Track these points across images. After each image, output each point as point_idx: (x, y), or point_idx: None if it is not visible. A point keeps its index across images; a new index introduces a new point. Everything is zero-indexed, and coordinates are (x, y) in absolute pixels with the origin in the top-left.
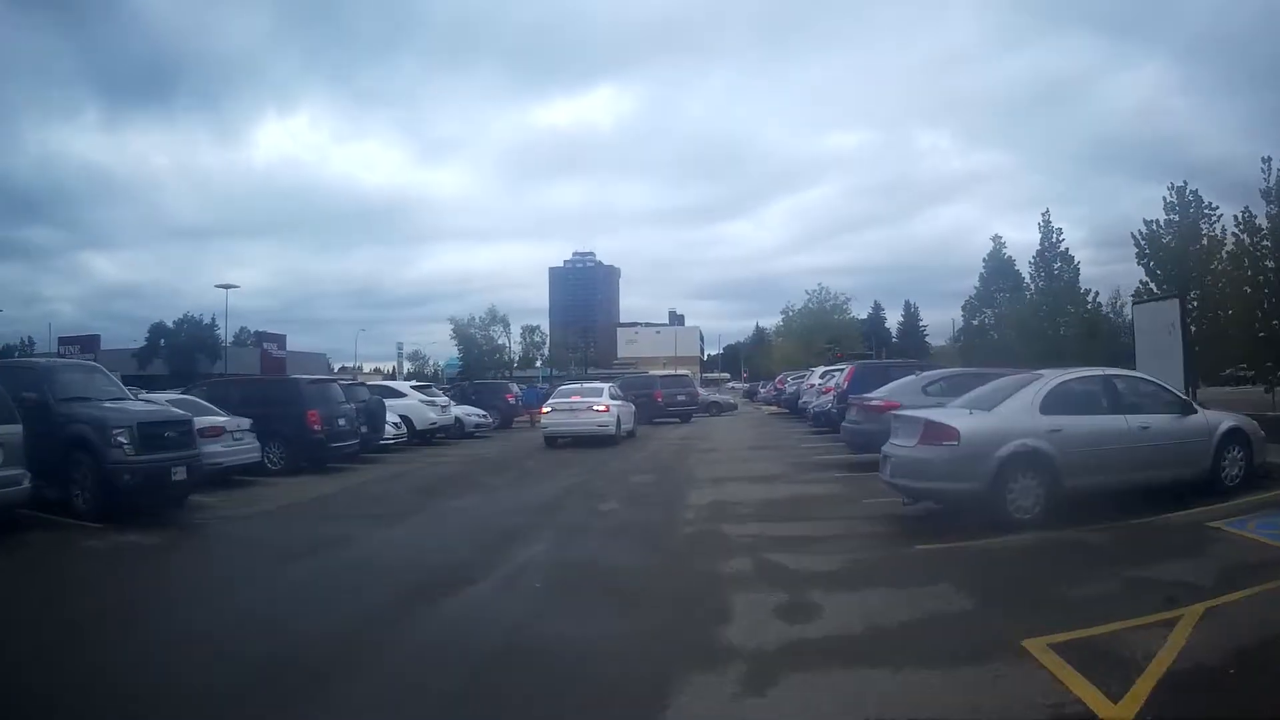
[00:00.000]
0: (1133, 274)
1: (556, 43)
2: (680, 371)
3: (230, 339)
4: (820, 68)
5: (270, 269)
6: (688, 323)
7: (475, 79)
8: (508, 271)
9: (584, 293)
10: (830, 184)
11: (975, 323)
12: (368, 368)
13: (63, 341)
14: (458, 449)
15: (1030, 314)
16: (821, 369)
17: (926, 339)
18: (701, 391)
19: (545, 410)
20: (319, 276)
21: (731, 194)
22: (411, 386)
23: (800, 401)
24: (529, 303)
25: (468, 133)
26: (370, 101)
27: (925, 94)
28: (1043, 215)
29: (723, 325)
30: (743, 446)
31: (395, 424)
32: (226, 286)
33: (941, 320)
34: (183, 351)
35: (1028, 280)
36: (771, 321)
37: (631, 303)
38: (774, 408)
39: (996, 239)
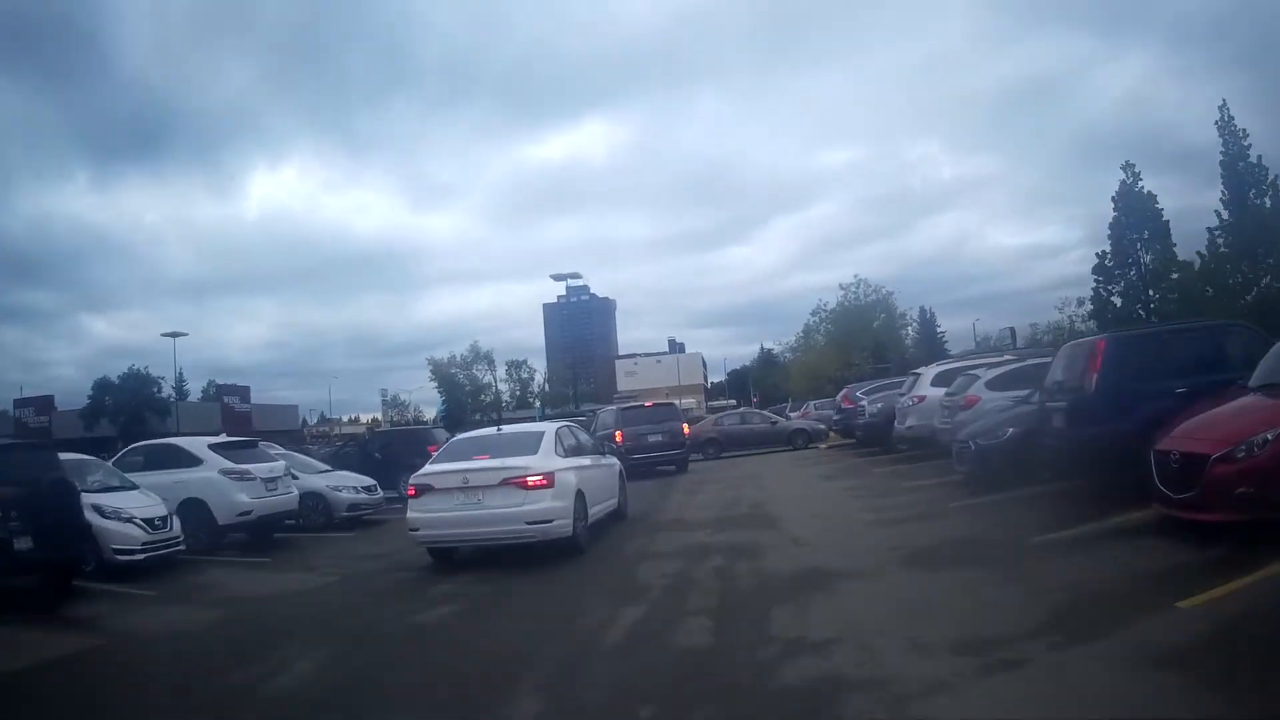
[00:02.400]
0: None
1: (545, 79)
2: (661, 401)
3: (199, 393)
4: (809, 84)
5: (272, 322)
6: (689, 351)
7: (466, 121)
8: (506, 311)
9: (580, 327)
10: (827, 201)
11: (1108, 290)
12: (364, 418)
13: (18, 404)
14: (259, 572)
15: (1230, 261)
16: (934, 370)
17: (945, 345)
18: (776, 416)
19: (412, 491)
20: (321, 328)
21: (728, 219)
22: (212, 446)
23: (903, 427)
24: (528, 341)
25: (460, 174)
26: (361, 148)
27: (914, 103)
28: (1220, 109)
29: (726, 351)
30: (883, 552)
31: (148, 522)
32: (174, 335)
33: (959, 328)
34: (129, 409)
35: (1219, 210)
36: (777, 343)
37: (633, 335)
38: (831, 438)
39: (1128, 167)
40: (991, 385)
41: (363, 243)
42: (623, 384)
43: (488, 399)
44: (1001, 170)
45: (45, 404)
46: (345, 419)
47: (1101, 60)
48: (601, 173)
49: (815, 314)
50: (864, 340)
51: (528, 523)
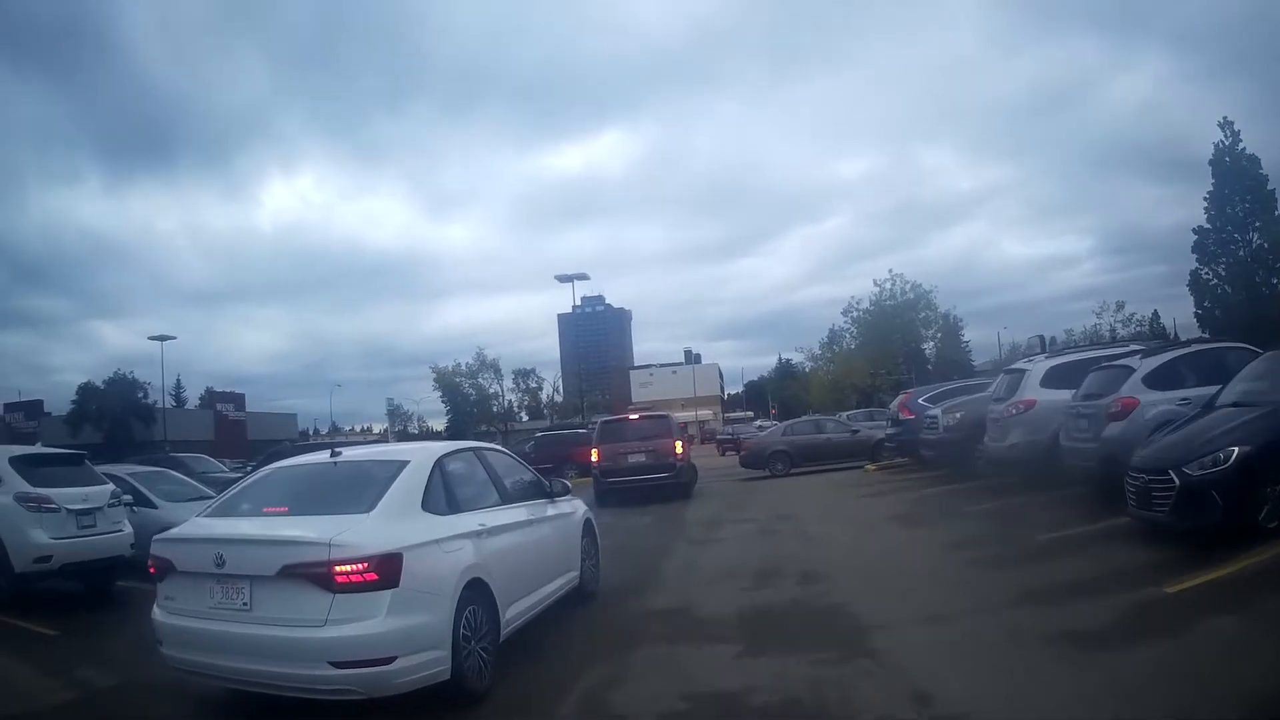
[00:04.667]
0: (1146, 280)
1: (561, 88)
2: (650, 413)
3: (197, 400)
4: (823, 94)
5: (284, 331)
6: (706, 362)
7: (481, 130)
8: (522, 322)
9: (596, 338)
10: (842, 213)
11: (1210, 273)
12: (376, 428)
13: (8, 408)
14: (11, 659)
15: None
16: (1045, 365)
17: (970, 355)
18: (855, 425)
19: (153, 568)
20: (333, 337)
21: (744, 230)
22: (15, 460)
23: (1002, 445)
24: (544, 352)
25: (476, 184)
26: (376, 157)
27: (928, 112)
28: None
29: (743, 363)
30: None
31: None
32: (161, 338)
33: (977, 338)
34: (113, 416)
35: None
36: (797, 350)
37: (649, 347)
38: (880, 461)
39: (1226, 125)
40: (1151, 382)
41: (377, 251)
42: (638, 395)
43: (497, 409)
44: (1014, 180)
45: (35, 408)
46: (357, 429)
47: (1114, 68)
48: (617, 183)
49: (847, 312)
50: (896, 345)
51: (335, 663)
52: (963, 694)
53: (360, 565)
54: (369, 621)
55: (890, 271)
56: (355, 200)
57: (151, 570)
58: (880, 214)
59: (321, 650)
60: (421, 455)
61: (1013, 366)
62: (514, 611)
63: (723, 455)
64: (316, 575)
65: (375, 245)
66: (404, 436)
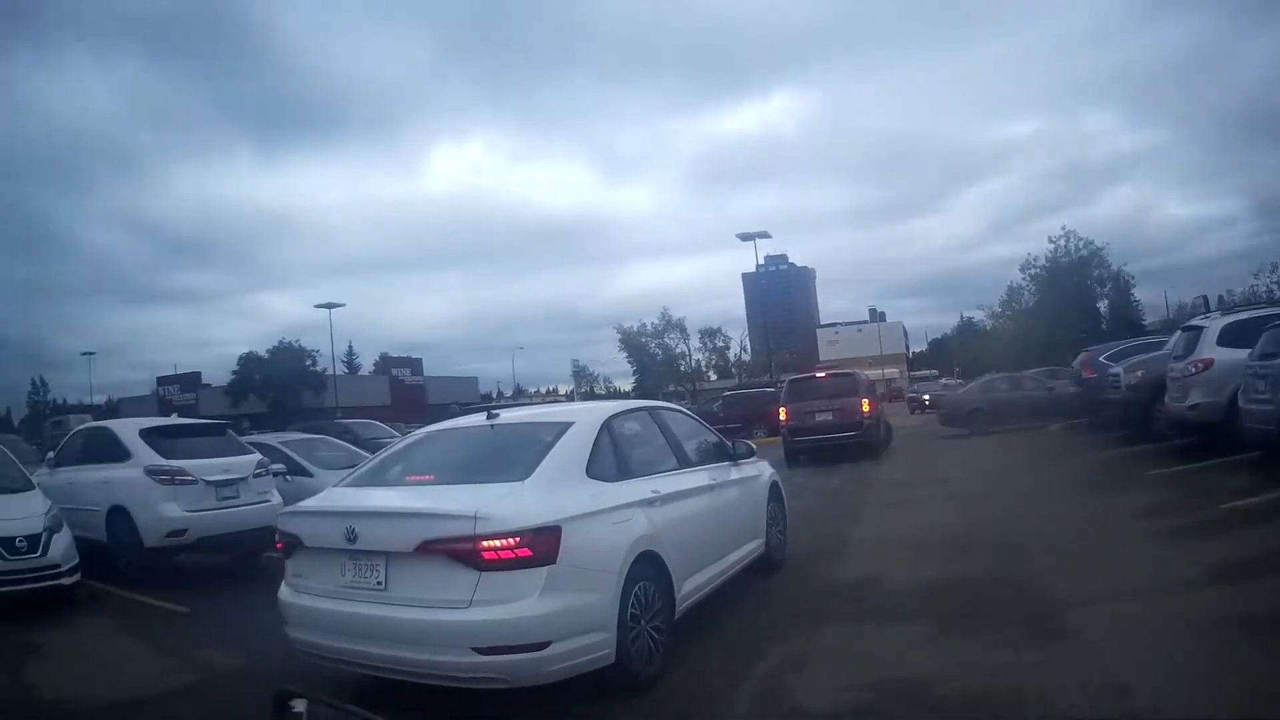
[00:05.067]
0: None
1: (732, 49)
2: (838, 370)
3: (371, 366)
4: (988, 56)
5: (462, 297)
6: (890, 320)
7: (653, 92)
8: (706, 283)
9: (780, 297)
10: (1011, 172)
11: None
12: (563, 390)
13: (162, 381)
14: (123, 639)
15: None
16: (1221, 323)
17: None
18: (1052, 381)
19: (280, 544)
20: (514, 301)
21: (919, 189)
22: (145, 432)
23: (1183, 406)
24: (729, 312)
25: (651, 147)
26: (547, 122)
27: (1086, 72)
28: None
29: (926, 321)
30: None
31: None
32: (329, 306)
33: (1147, 299)
34: (278, 383)
35: None
36: (979, 308)
37: (833, 305)
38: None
39: None
40: None
41: (554, 216)
42: (825, 353)
43: (685, 368)
44: (1169, 141)
45: (191, 380)
46: (543, 390)
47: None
48: (792, 143)
49: (1024, 269)
50: (1073, 302)
51: (480, 649)
52: (1160, 683)
53: (511, 540)
54: (521, 603)
55: (1064, 229)
56: (529, 165)
57: (279, 546)
58: (1046, 174)
59: (465, 635)
60: (588, 416)
61: (1190, 323)
62: (691, 586)
63: (912, 414)
64: (460, 552)
65: (552, 210)
66: (590, 397)
